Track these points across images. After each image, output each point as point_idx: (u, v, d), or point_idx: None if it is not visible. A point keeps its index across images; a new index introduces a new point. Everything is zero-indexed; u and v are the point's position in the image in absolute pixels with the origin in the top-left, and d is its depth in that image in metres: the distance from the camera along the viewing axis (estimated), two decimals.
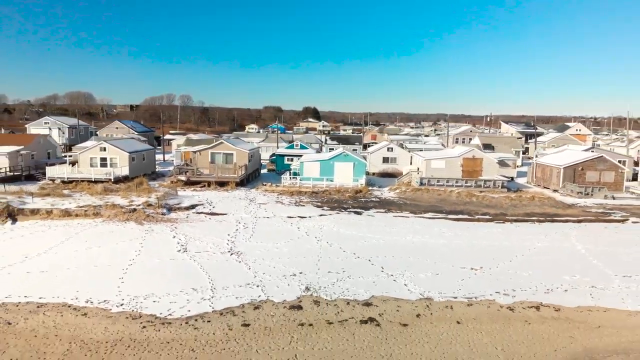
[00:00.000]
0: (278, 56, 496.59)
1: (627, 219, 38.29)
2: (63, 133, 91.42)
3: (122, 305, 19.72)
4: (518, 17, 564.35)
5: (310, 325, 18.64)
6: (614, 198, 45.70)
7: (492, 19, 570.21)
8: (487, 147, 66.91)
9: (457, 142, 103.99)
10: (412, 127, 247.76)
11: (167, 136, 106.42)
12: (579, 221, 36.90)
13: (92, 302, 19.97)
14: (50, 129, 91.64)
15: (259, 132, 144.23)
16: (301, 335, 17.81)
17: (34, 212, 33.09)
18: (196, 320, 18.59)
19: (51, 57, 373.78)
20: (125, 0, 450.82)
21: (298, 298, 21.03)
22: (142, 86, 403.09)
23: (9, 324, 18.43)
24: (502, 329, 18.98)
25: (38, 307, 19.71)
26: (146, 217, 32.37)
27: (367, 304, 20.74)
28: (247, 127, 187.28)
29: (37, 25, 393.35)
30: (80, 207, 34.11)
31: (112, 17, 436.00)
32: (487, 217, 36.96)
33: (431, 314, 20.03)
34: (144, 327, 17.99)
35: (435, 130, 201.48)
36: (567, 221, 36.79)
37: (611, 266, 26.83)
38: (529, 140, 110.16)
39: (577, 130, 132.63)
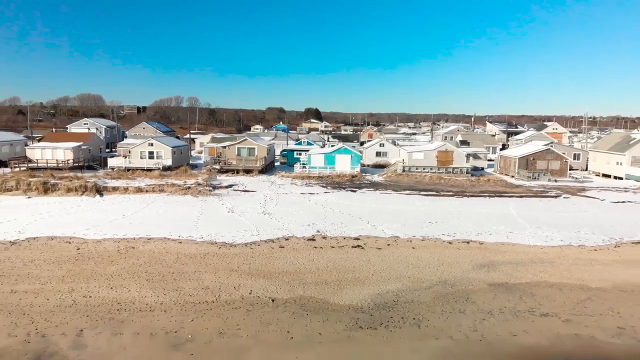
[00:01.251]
0: (282, 61, 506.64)
1: (560, 196, 48.48)
2: (100, 132, 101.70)
3: (202, 238, 30.11)
4: (517, 20, 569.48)
5: (321, 247, 28.97)
6: (555, 181, 55.90)
7: (493, 25, 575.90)
8: (464, 143, 77.05)
9: (445, 140, 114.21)
10: (410, 127, 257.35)
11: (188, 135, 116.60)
12: (521, 196, 47.14)
13: (182, 237, 30.37)
14: (89, 129, 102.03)
15: (264, 131, 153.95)
16: (315, 251, 28.15)
17: (115, 188, 43.50)
18: (251, 244, 28.98)
19: (62, 61, 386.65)
20: (134, 7, 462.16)
21: (312, 235, 31.38)
22: (150, 88, 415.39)
23: (133, 248, 28.75)
24: (441, 251, 29.24)
25: (148, 239, 30.07)
26: (198, 192, 42.77)
27: (356, 239, 31.06)
28: (252, 128, 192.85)
29: (48, 29, 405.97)
30: (148, 185, 44.56)
31: (120, 24, 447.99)
32: (450, 193, 47.30)
33: (397, 244, 30.33)
34: (220, 247, 28.36)
35: (431, 130, 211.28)
36: (511, 196, 47.07)
37: (530, 222, 37.05)
38: (510, 138, 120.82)
39: (553, 129, 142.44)
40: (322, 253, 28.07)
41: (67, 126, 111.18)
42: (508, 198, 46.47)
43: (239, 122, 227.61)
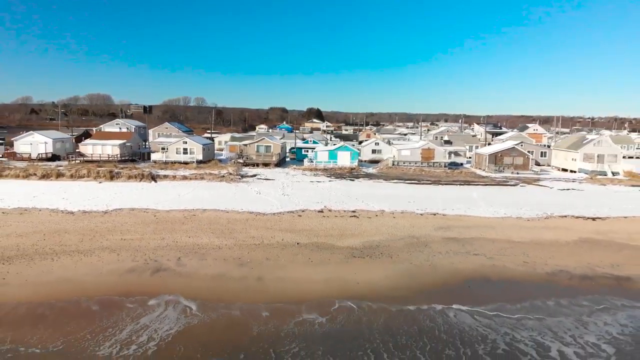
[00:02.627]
0: (283, 61, 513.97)
1: (517, 184, 58.41)
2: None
3: (242, 209, 40.20)
4: (518, 21, 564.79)
5: (327, 216, 39.03)
6: (518, 173, 65.86)
7: (494, 26, 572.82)
8: (447, 142, 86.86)
9: (436, 139, 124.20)
10: (408, 128, 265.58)
11: (206, 134, 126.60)
12: (485, 185, 57.11)
13: (227, 208, 40.45)
14: (120, 128, 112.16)
15: (268, 131, 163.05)
16: (323, 218, 38.23)
17: (165, 176, 53.62)
18: (278, 214, 39.08)
19: (72, 61, 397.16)
20: (137, 8, 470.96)
21: (321, 209, 41.44)
22: (157, 88, 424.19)
23: (194, 215, 38.82)
24: (413, 220, 39.24)
25: (203, 210, 40.15)
26: (231, 180, 52.87)
27: (353, 211, 41.12)
28: (257, 127, 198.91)
29: (60, 31, 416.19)
30: (190, 174, 54.71)
31: (126, 25, 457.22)
32: (429, 182, 57.35)
33: (382, 215, 40.39)
34: (256, 215, 38.46)
35: (428, 130, 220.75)
36: (477, 185, 57.04)
37: (486, 201, 47.03)
38: (494, 138, 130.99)
39: (534, 130, 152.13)
40: (328, 220, 38.18)
41: (100, 126, 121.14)
42: (474, 186, 56.47)
43: (244, 121, 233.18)
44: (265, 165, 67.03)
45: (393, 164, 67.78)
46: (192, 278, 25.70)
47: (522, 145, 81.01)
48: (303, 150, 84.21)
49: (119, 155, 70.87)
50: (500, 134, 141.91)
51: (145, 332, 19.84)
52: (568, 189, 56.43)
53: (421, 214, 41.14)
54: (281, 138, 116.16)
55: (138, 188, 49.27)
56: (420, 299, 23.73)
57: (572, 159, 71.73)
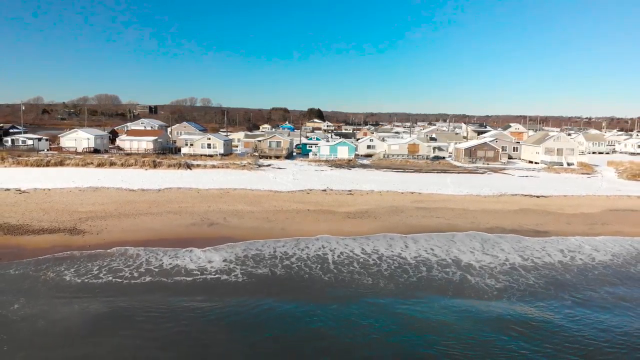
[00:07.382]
0: (286, 59, 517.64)
1: (485, 173, 68.75)
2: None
3: (264, 189, 50.61)
4: (520, 17, 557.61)
5: (329, 194, 49.45)
6: (488, 164, 76.22)
7: (492, 26, 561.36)
8: (432, 139, 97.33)
9: (426, 136, 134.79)
10: (405, 127, 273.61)
11: (221, 132, 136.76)
12: (458, 173, 67.47)
13: (252, 188, 50.92)
14: (144, 127, 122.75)
15: (272, 130, 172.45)
16: (326, 195, 48.68)
17: (197, 165, 64.06)
18: (291, 192, 49.54)
19: (82, 62, 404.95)
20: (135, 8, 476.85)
21: (325, 189, 51.86)
22: (163, 88, 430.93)
23: (228, 192, 49.25)
24: (394, 196, 49.67)
25: (234, 189, 50.55)
26: (251, 168, 63.30)
27: (349, 191, 51.52)
28: (261, 127, 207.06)
29: (69, 32, 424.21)
30: (218, 164, 65.19)
31: (129, 26, 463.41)
32: (412, 170, 67.76)
33: (372, 193, 50.83)
34: (275, 193, 48.91)
35: (423, 128, 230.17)
36: (452, 173, 67.40)
37: (455, 184, 57.38)
38: (479, 135, 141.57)
39: (516, 128, 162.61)
40: (330, 196, 48.65)
41: (127, 124, 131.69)
42: (449, 174, 66.86)
43: (248, 121, 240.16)
44: (277, 157, 77.48)
45: (384, 157, 78.23)
46: (237, 229, 36.14)
47: (496, 141, 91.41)
48: (308, 145, 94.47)
49: (152, 150, 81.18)
50: (484, 132, 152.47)
51: (218, 253, 30.35)
52: (526, 176, 66.75)
53: (402, 193, 51.57)
54: (288, 135, 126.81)
55: (178, 174, 59.71)
56: None
57: (536, 152, 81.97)
